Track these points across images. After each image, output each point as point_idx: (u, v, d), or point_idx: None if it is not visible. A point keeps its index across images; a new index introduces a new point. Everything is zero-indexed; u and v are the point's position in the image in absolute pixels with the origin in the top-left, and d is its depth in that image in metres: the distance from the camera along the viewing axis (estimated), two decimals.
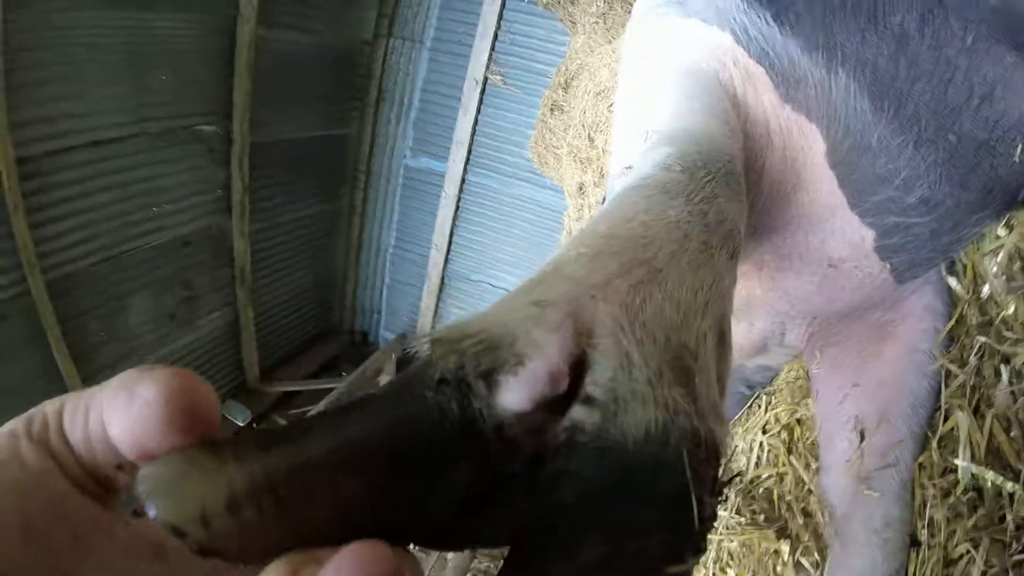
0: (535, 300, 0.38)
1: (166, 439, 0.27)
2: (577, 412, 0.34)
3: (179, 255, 4.02)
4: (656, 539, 0.30)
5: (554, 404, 0.34)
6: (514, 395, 0.32)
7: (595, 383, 0.34)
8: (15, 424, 0.29)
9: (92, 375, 3.56)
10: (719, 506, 0.34)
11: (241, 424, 4.70)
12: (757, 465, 1.59)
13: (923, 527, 1.02)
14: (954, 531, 0.97)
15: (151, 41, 3.30)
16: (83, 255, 3.35)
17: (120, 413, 0.28)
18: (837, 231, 0.98)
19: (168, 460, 0.26)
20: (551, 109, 4.32)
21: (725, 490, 0.35)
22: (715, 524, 0.34)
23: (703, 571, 1.52)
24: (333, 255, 5.87)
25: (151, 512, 0.25)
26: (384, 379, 5.28)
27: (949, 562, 0.97)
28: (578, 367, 0.35)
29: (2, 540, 0.25)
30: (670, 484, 0.32)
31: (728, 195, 0.58)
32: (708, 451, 0.34)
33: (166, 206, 3.78)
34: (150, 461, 0.26)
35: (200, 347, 4.47)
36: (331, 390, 4.90)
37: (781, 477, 1.48)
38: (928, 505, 1.02)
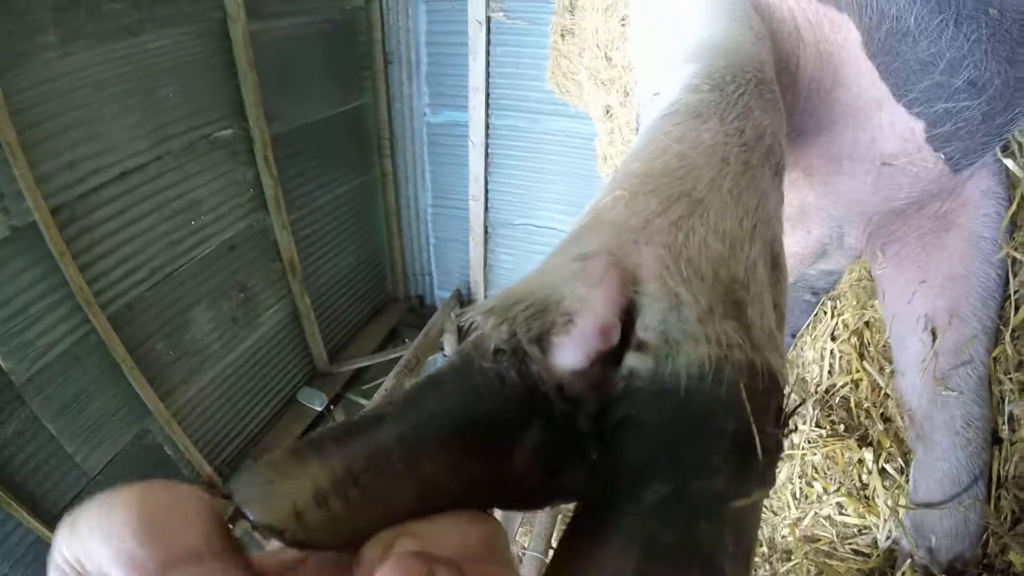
0: (577, 255, 0.38)
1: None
2: (631, 359, 0.34)
3: (227, 260, 4.12)
4: (721, 476, 0.30)
5: (611, 355, 0.34)
6: (568, 354, 0.33)
7: (646, 328, 0.35)
8: None
9: (170, 394, 3.76)
10: (785, 437, 0.34)
11: (318, 409, 4.91)
12: (830, 373, 1.57)
13: (1003, 423, 0.99)
14: None
15: (150, 63, 3.31)
16: (137, 283, 3.47)
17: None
18: (886, 125, 0.93)
19: (255, 469, 0.28)
20: (561, 35, 4.13)
21: (790, 421, 0.34)
22: (781, 456, 0.33)
23: (789, 487, 1.53)
24: (375, 227, 5.90)
25: (250, 516, 0.27)
26: (447, 337, 5.38)
27: None
28: (629, 315, 0.35)
29: None
30: (730, 420, 0.32)
31: (763, 106, 0.55)
32: (766, 382, 0.34)
33: (204, 217, 3.85)
34: (238, 473, 0.29)
35: (265, 343, 4.61)
36: (398, 358, 5.03)
37: (856, 384, 1.45)
38: (1007, 400, 0.98)
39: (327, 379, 5.25)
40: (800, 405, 1.51)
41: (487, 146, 5.33)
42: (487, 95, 5.09)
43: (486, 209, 5.65)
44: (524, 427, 0.32)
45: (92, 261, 3.18)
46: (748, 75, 0.58)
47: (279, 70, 4.22)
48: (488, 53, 4.90)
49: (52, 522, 3.10)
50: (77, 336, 3.15)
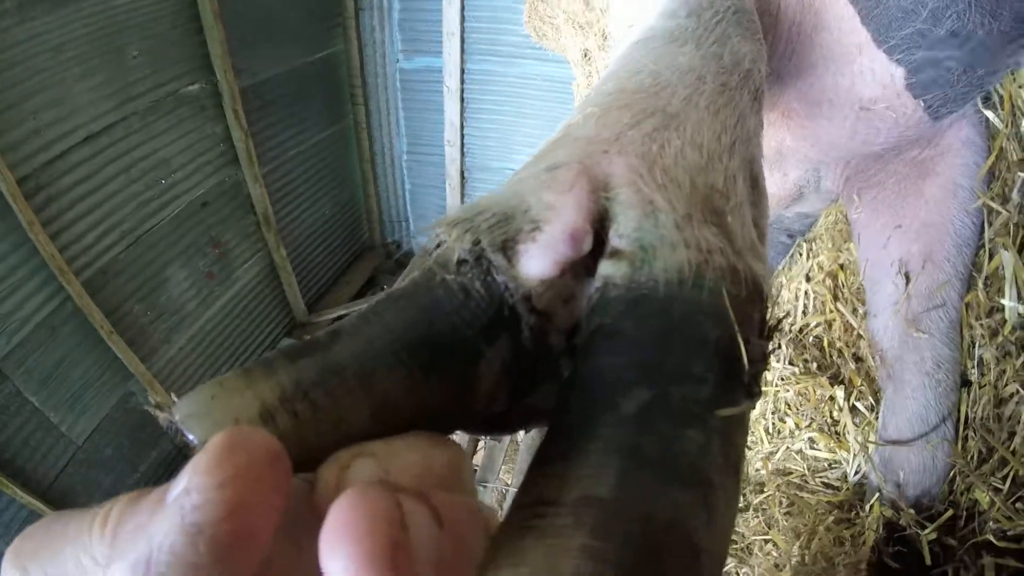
0: (546, 166, 0.36)
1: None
2: (605, 267, 0.32)
3: (200, 217, 4.07)
4: (706, 384, 0.28)
5: (583, 268, 0.33)
6: (536, 261, 0.31)
7: (620, 236, 0.33)
8: None
9: (151, 355, 3.76)
10: (771, 351, 0.32)
11: None
12: (805, 313, 1.62)
13: (973, 366, 1.03)
14: (1003, 371, 0.98)
15: (112, 22, 3.19)
16: (109, 247, 3.43)
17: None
18: (866, 71, 0.93)
19: (200, 388, 0.26)
20: None
21: (775, 333, 0.33)
22: (766, 366, 0.31)
23: (763, 422, 1.60)
24: (349, 176, 5.84)
25: (190, 437, 0.25)
26: None
27: (1000, 401, 0.99)
28: (602, 224, 0.34)
29: None
30: (712, 326, 0.30)
31: (741, 33, 0.54)
32: (749, 289, 0.32)
33: (174, 175, 3.79)
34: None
35: (244, 298, 4.61)
36: None
37: (829, 324, 1.50)
38: (977, 345, 1.03)
39: (307, 329, 5.27)
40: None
41: (463, 91, 5.25)
42: (462, 40, 4.98)
43: (462, 154, 5.60)
44: (490, 342, 0.30)
45: (63, 228, 3.13)
46: (727, 3, 0.57)
47: (246, 21, 4.07)
48: None
49: (45, 495, 3.14)
50: (53, 305, 3.12)
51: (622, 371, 0.29)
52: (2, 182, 2.71)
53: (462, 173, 5.70)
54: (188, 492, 0.20)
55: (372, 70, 5.45)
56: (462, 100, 5.29)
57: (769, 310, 0.34)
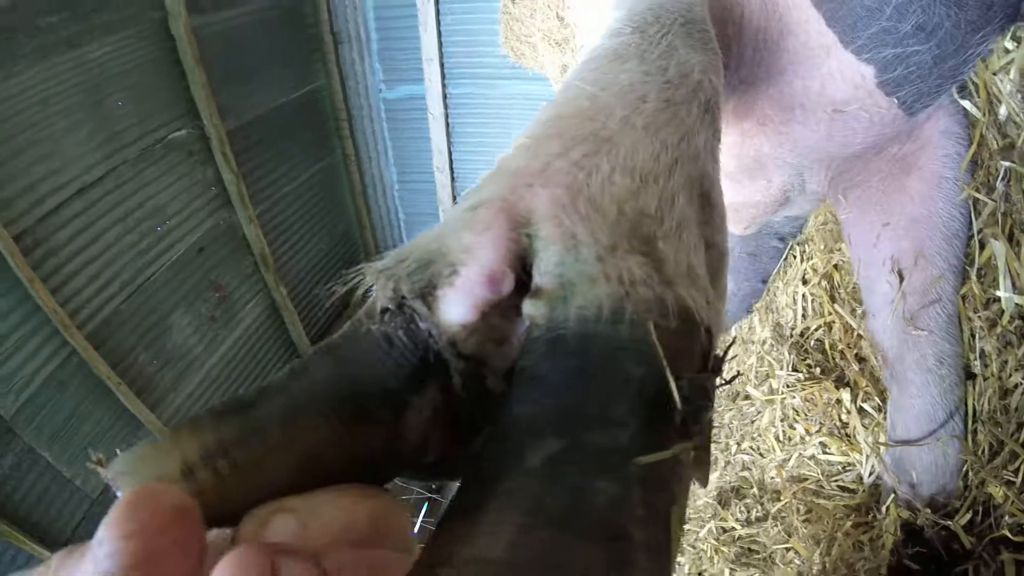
0: (470, 205, 0.35)
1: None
2: (527, 307, 0.31)
3: (198, 262, 4.09)
4: (626, 429, 0.26)
5: (513, 308, 0.32)
6: (454, 306, 0.31)
7: (542, 273, 0.32)
8: None
9: (159, 403, 3.75)
10: (718, 385, 0.31)
11: None
12: (804, 317, 1.60)
13: (975, 359, 1.02)
14: (1006, 361, 0.97)
15: (94, 73, 3.23)
16: (110, 298, 3.44)
17: None
18: (835, 72, 0.93)
19: (135, 447, 0.28)
20: None
21: (723, 364, 0.31)
22: (710, 402, 0.29)
23: (772, 430, 1.58)
24: (343, 209, 5.85)
25: (118, 493, 0.26)
26: None
27: (1005, 392, 0.98)
28: (526, 262, 0.33)
29: None
30: (636, 364, 0.28)
31: (690, 44, 0.53)
32: (681, 320, 0.30)
33: (169, 222, 3.81)
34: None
35: (248, 339, 4.61)
36: None
37: (829, 326, 1.49)
38: (977, 337, 1.02)
39: None
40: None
41: (447, 116, 5.27)
42: (442, 65, 5.01)
43: (452, 180, 5.60)
44: (417, 391, 0.30)
45: (63, 283, 3.14)
46: (672, 15, 0.56)
47: (227, 63, 4.11)
48: (439, 23, 4.81)
49: None
50: (59, 360, 3.12)
51: (536, 419, 0.27)
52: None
53: (454, 199, 5.72)
54: (100, 543, 0.23)
55: (356, 102, 5.48)
56: (447, 125, 5.31)
57: (716, 339, 0.32)
